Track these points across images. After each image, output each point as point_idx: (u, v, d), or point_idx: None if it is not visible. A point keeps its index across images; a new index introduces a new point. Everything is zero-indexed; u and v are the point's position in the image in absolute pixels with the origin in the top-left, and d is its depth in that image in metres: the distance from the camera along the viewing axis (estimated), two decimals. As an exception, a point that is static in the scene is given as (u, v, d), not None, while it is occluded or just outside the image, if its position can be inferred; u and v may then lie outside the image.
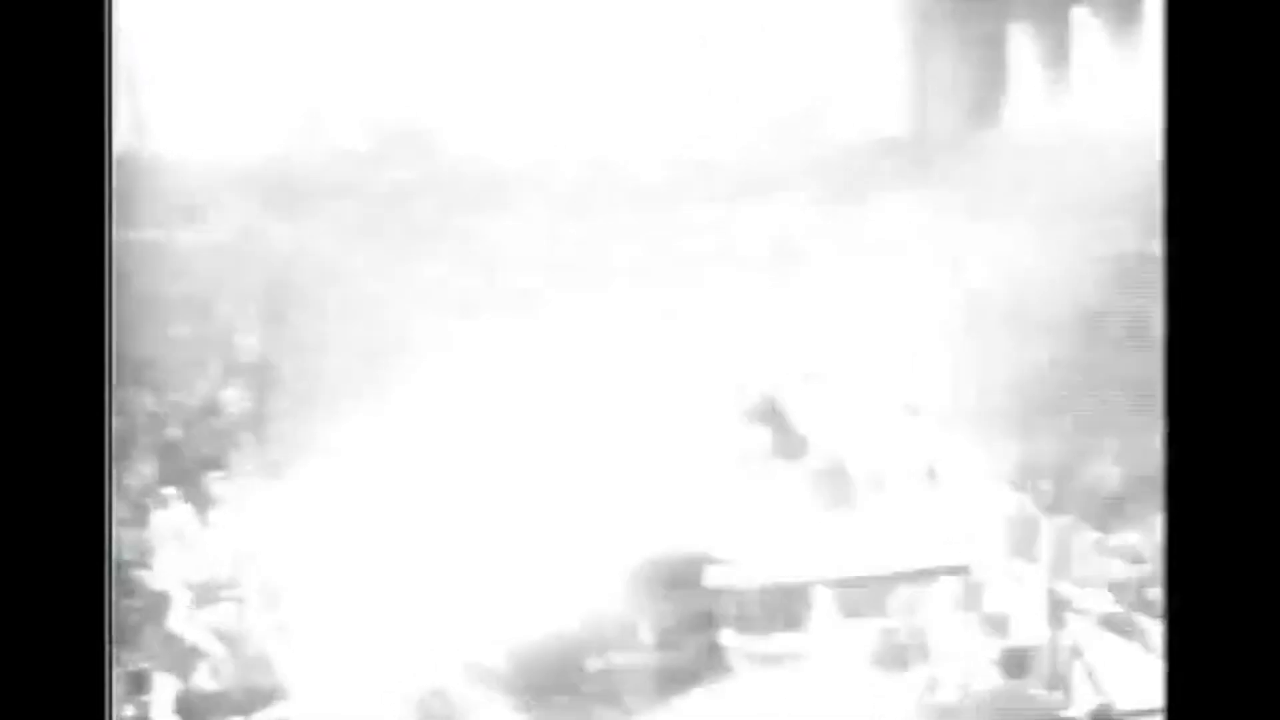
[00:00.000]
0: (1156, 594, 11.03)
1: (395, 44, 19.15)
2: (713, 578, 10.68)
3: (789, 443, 12.22)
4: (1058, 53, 20.01)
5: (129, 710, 9.06)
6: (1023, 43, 20.35)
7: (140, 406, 15.24)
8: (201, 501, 13.06)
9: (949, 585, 11.04)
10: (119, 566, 10.98)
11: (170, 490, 13.10)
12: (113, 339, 5.38)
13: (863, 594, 10.93)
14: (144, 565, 11.72)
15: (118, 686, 8.86)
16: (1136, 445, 14.05)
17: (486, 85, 19.28)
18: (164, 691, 9.56)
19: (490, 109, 19.41)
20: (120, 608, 9.98)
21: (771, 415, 12.32)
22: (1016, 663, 8.92)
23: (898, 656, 10.31)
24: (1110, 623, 10.94)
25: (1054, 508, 13.01)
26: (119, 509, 12.41)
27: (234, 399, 16.19)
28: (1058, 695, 9.21)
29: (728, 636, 10.61)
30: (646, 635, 10.41)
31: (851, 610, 10.81)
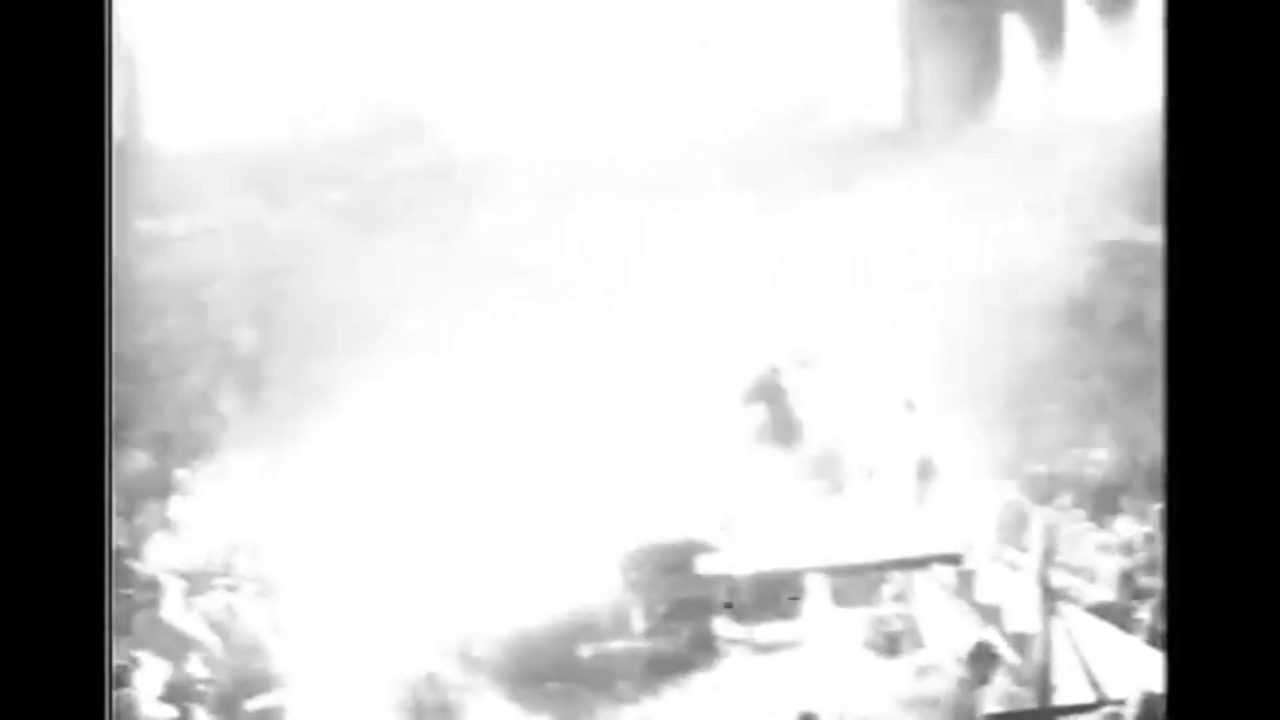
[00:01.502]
0: (1150, 582, 11.05)
1: (390, 32, 19.12)
2: (705, 565, 10.69)
3: (785, 425, 12.22)
4: (1052, 41, 20.02)
5: (121, 698, 9.06)
6: (1017, 31, 20.35)
7: (132, 395, 15.20)
8: (193, 490, 13.05)
9: (941, 573, 11.06)
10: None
11: (182, 472, 13.13)
12: (112, 329, 5.37)
13: (855, 582, 10.95)
14: (136, 554, 11.71)
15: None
16: (1130, 434, 14.08)
17: (484, 76, 19.26)
18: (156, 679, 9.55)
19: (487, 100, 19.39)
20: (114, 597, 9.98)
21: (771, 392, 12.33)
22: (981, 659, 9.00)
23: (890, 644, 10.34)
24: (1103, 611, 10.96)
25: (1047, 496, 13.03)
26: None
27: (227, 388, 16.18)
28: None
29: (720, 624, 10.62)
30: (639, 622, 10.43)
31: (844, 598, 10.83)
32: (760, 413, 12.29)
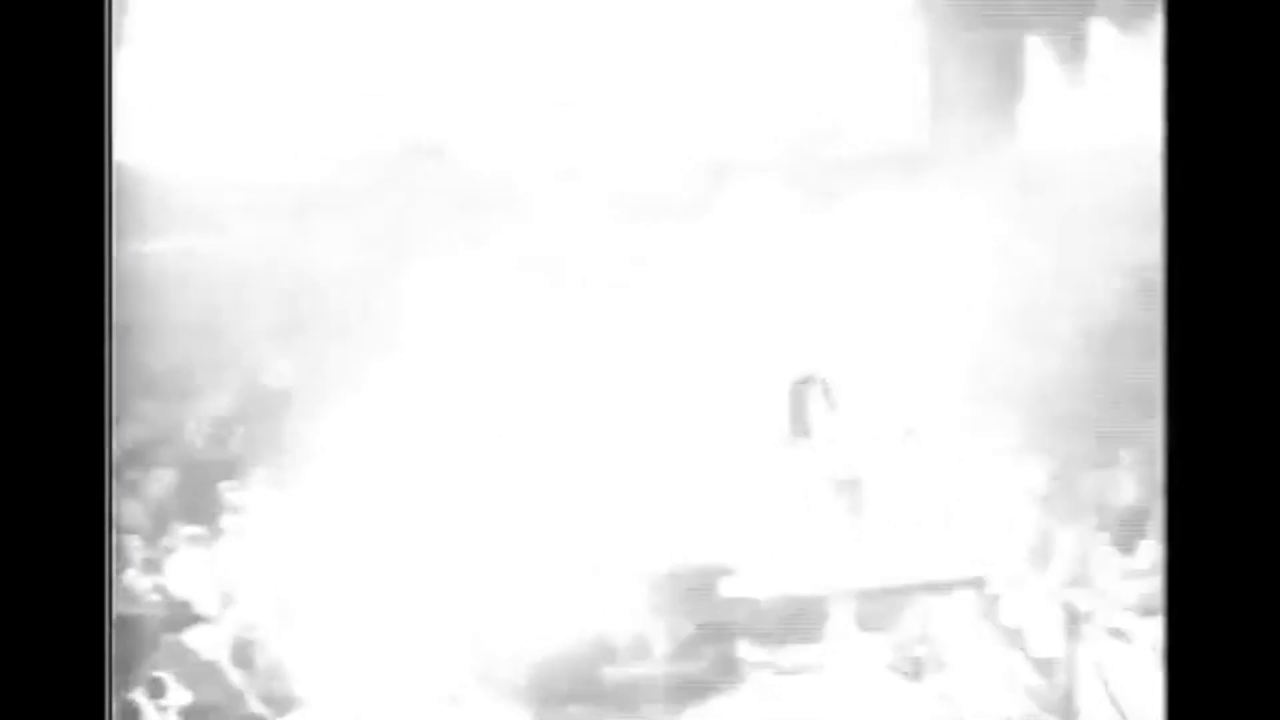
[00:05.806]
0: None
1: (409, 55, 19.19)
2: (728, 588, 10.67)
3: (799, 426, 12.20)
4: (1076, 63, 19.99)
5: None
6: (1040, 53, 20.31)
7: (156, 418, 15.27)
8: (216, 512, 13.06)
9: (965, 598, 11.01)
10: (131, 577, 11.03)
11: (208, 494, 13.16)
12: (113, 351, 5.39)
13: (878, 606, 10.91)
14: (160, 575, 11.73)
15: (133, 698, 8.90)
16: (1154, 457, 13.99)
17: (499, 96, 19.31)
18: (177, 702, 9.57)
19: (503, 120, 19.43)
20: (132, 619, 10.02)
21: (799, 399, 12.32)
22: None
23: (913, 668, 10.30)
24: (1127, 636, 10.89)
25: (1071, 520, 12.95)
26: (136, 519, 12.46)
27: (249, 410, 16.20)
28: None
29: (743, 647, 10.59)
30: (662, 646, 10.40)
31: (867, 622, 10.78)
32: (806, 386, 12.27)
